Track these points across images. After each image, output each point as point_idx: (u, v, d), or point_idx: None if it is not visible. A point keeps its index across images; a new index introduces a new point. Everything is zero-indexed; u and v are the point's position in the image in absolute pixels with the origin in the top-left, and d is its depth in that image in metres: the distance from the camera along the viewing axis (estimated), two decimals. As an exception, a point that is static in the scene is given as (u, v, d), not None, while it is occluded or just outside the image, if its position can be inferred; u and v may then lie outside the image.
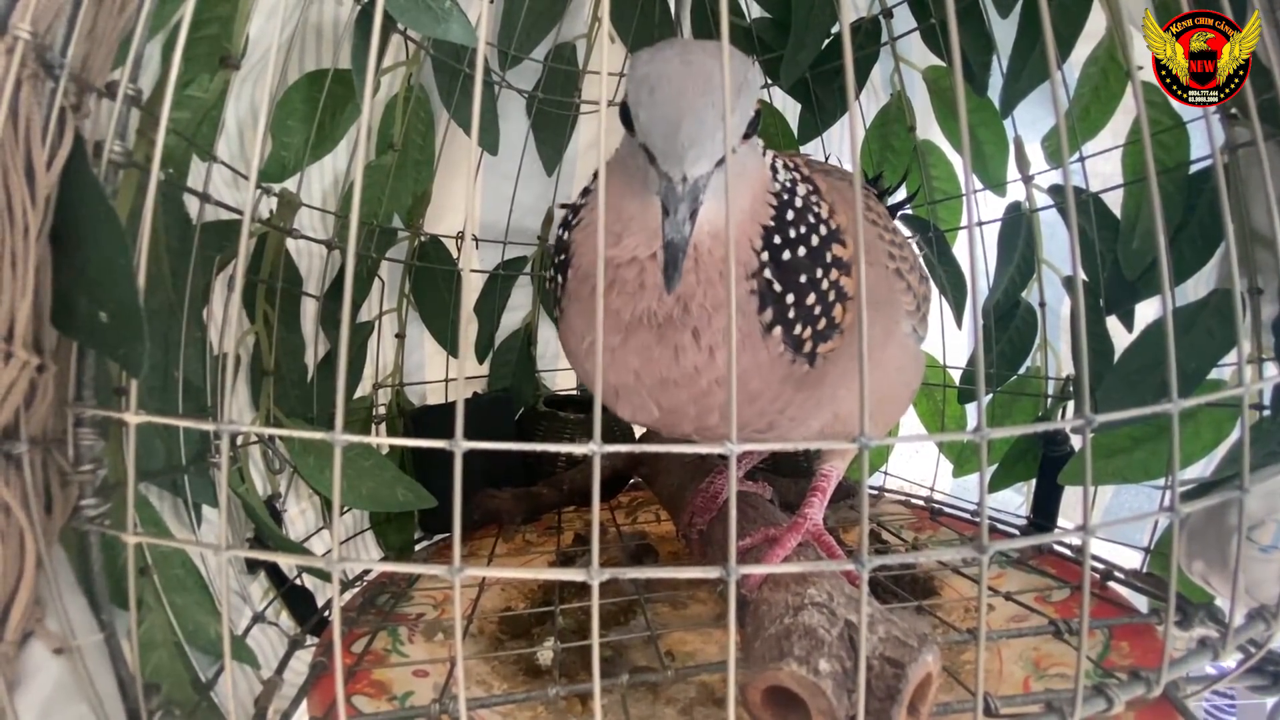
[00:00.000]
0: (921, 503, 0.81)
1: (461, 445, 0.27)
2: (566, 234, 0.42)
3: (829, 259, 0.39)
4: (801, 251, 0.38)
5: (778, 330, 0.38)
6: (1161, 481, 0.59)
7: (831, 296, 0.39)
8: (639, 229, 0.37)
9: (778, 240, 0.38)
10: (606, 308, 0.38)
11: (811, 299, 0.39)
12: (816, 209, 0.40)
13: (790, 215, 0.39)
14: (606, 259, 0.37)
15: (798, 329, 0.39)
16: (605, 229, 0.36)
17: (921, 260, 0.53)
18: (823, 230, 0.39)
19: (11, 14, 0.30)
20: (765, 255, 0.38)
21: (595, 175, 0.39)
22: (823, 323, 0.39)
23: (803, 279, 0.38)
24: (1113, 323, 0.67)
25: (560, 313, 0.44)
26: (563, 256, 0.42)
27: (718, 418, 0.40)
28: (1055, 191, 0.71)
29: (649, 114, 0.33)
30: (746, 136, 0.36)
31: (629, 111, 0.34)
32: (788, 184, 0.40)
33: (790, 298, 0.38)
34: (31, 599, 0.31)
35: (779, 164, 0.41)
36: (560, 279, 0.43)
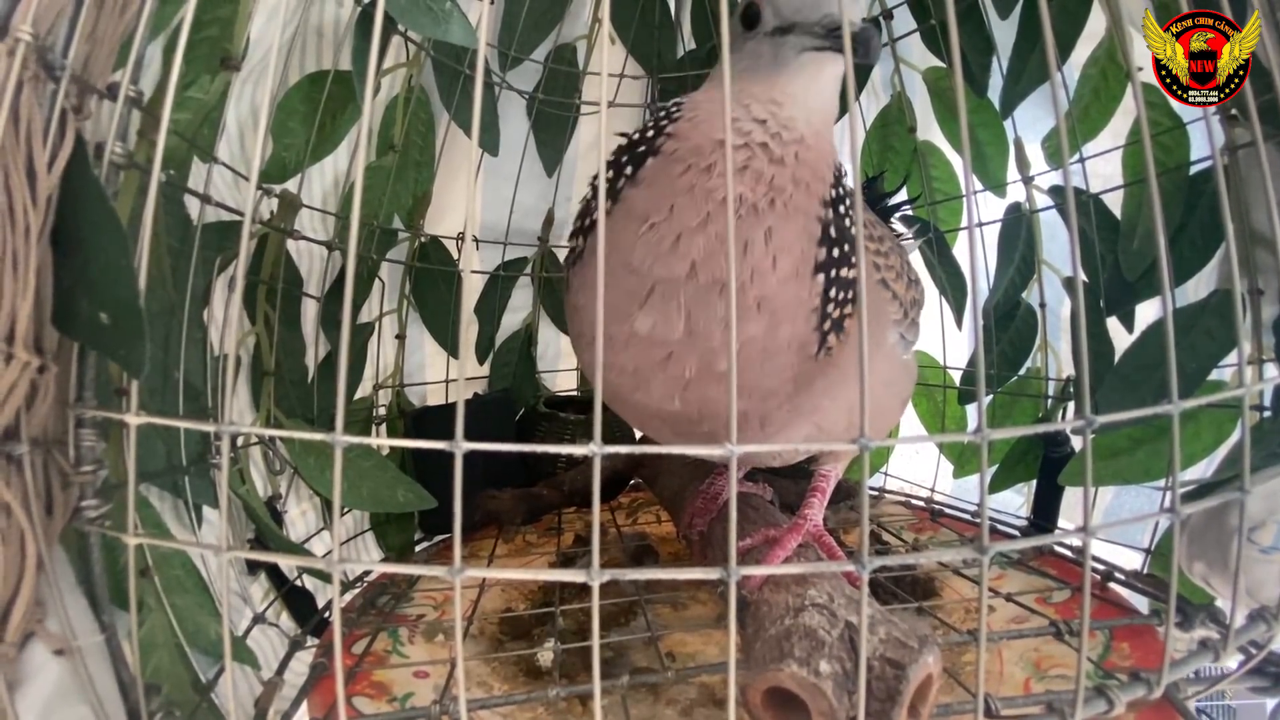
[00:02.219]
0: (922, 504, 0.81)
1: (462, 446, 0.27)
2: (654, 131, 0.40)
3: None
4: (848, 247, 0.40)
5: (820, 278, 0.39)
6: (1162, 482, 0.59)
7: (849, 293, 0.40)
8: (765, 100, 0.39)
9: (836, 194, 0.40)
10: (690, 190, 0.38)
11: (839, 287, 0.40)
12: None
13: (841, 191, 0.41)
14: (718, 140, 0.38)
15: (833, 291, 0.39)
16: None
17: (909, 262, 0.53)
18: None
19: (13, 16, 0.30)
20: (836, 192, 0.40)
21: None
22: (839, 311, 0.40)
23: (848, 259, 0.40)
24: (1113, 324, 0.67)
25: (581, 262, 0.43)
26: (643, 148, 0.40)
27: (726, 365, 0.37)
28: (1055, 192, 0.71)
29: None
30: None
31: (755, 11, 0.39)
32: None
33: (833, 271, 0.39)
34: (32, 600, 0.31)
35: None
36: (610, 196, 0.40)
